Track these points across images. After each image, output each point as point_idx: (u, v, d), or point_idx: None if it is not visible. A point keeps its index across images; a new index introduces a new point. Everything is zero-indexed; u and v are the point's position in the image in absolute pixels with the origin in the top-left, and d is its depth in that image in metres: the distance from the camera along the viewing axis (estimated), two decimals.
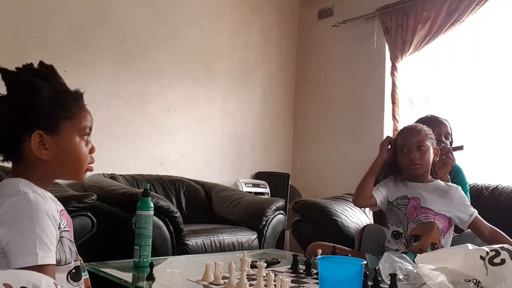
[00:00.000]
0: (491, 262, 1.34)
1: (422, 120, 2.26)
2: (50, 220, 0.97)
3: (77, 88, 1.11)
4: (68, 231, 1.06)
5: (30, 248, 0.92)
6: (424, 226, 1.86)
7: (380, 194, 1.98)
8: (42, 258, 0.92)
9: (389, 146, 2.01)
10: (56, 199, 1.07)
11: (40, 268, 0.91)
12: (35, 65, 1.09)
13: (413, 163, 1.91)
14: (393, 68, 3.46)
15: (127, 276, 1.55)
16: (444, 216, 1.87)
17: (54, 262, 0.96)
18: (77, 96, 1.10)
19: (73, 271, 1.06)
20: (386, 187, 2.01)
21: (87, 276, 1.17)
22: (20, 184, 1.00)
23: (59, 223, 1.01)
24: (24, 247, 0.92)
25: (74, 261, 1.06)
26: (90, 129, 1.11)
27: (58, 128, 1.04)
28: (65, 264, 1.02)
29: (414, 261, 1.49)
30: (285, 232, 3.36)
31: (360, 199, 2.00)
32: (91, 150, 1.12)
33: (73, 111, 1.07)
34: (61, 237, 1.01)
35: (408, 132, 1.95)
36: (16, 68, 1.07)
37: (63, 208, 1.10)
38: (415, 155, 1.89)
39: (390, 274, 1.40)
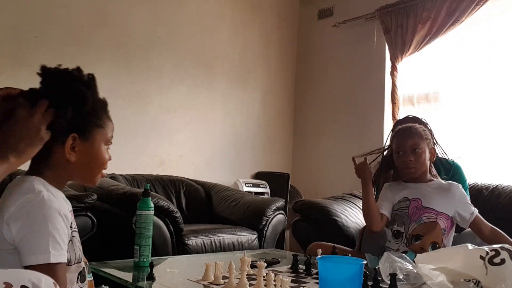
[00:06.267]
0: (491, 262, 1.34)
1: (401, 122, 2.25)
2: (62, 219, 0.99)
3: (103, 97, 1.14)
4: (76, 231, 1.08)
5: (43, 246, 0.93)
6: (427, 226, 1.86)
7: (386, 208, 1.95)
8: (54, 256, 0.94)
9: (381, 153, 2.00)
10: (67, 199, 1.09)
11: (52, 266, 0.93)
12: (67, 67, 1.12)
13: (408, 166, 1.90)
14: (393, 68, 3.46)
15: (127, 276, 1.55)
16: (446, 215, 1.87)
17: (65, 261, 0.98)
18: (105, 105, 1.15)
19: (81, 271, 1.08)
20: (387, 198, 1.98)
21: (91, 278, 1.18)
22: (34, 182, 1.01)
23: (71, 223, 1.04)
24: (38, 245, 0.94)
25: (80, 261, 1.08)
26: (112, 138, 1.16)
27: (90, 135, 1.08)
28: (75, 264, 1.04)
29: (414, 261, 1.49)
30: (285, 232, 3.36)
31: (374, 224, 1.91)
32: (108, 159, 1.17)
33: (103, 120, 1.12)
34: (72, 236, 1.03)
35: (403, 134, 1.94)
36: (65, 71, 1.09)
37: (71, 208, 1.11)
38: (410, 158, 1.89)
39: (390, 274, 1.40)
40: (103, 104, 1.14)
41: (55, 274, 0.93)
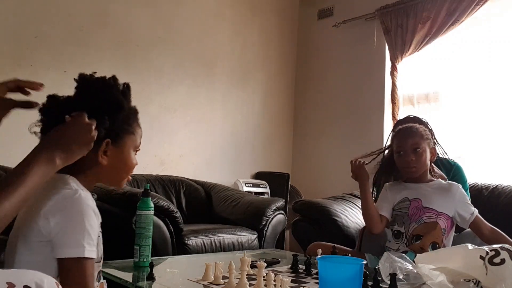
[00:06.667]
0: (491, 262, 1.34)
1: (401, 122, 2.26)
2: (96, 218, 1.04)
3: (134, 105, 1.19)
4: (101, 231, 1.11)
5: (79, 241, 0.98)
6: (427, 226, 1.85)
7: (386, 210, 1.95)
8: (88, 252, 0.98)
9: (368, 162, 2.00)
10: (93, 200, 1.11)
11: (84, 261, 0.98)
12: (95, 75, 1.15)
13: (409, 166, 1.90)
14: (393, 68, 3.46)
15: (127, 276, 1.55)
16: (447, 215, 1.87)
17: (95, 257, 1.02)
18: (136, 113, 1.20)
19: (100, 271, 1.12)
20: (386, 199, 1.97)
21: (104, 280, 1.20)
22: (70, 180, 1.06)
23: (100, 222, 1.08)
24: (74, 239, 0.98)
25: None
26: (140, 144, 1.21)
27: (121, 141, 1.14)
28: (96, 262, 1.06)
29: (414, 261, 1.49)
30: (285, 232, 3.36)
31: (374, 226, 1.91)
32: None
33: (133, 127, 1.18)
34: (98, 236, 1.07)
35: (404, 134, 1.94)
36: (102, 80, 1.13)
37: None
38: (411, 158, 1.89)
39: (390, 274, 1.40)
40: (134, 111, 1.19)
41: (85, 268, 0.98)
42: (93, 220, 1.02)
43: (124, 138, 1.14)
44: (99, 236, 1.07)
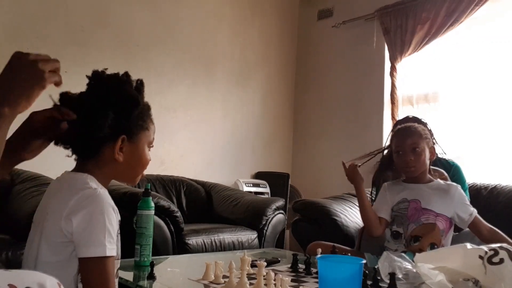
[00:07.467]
0: (489, 261, 1.35)
1: (401, 122, 2.26)
2: (115, 215, 1.05)
3: (146, 101, 1.18)
4: (118, 228, 1.11)
5: (100, 240, 0.99)
6: (425, 227, 1.86)
7: (385, 212, 1.95)
8: (109, 250, 1.00)
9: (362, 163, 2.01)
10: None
11: (105, 259, 0.99)
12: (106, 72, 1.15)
13: (408, 166, 1.90)
14: (393, 68, 3.47)
15: (128, 275, 1.55)
16: (445, 216, 1.87)
17: (115, 255, 1.03)
18: (149, 109, 1.19)
19: (118, 268, 1.12)
20: (385, 201, 1.97)
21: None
22: (88, 179, 1.07)
23: (119, 220, 1.09)
24: (95, 238, 0.99)
25: None
26: (153, 140, 1.21)
27: (136, 137, 1.13)
28: (115, 260, 1.07)
29: (413, 261, 1.49)
30: (285, 231, 3.37)
31: (373, 229, 1.91)
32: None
33: (147, 123, 1.17)
34: (117, 233, 1.07)
35: (403, 134, 1.94)
36: (116, 76, 1.13)
37: None
38: (410, 158, 1.89)
39: (389, 273, 1.41)
40: (147, 107, 1.18)
41: (106, 267, 0.99)
42: (113, 217, 1.04)
43: (139, 134, 1.14)
44: (118, 234, 1.08)
